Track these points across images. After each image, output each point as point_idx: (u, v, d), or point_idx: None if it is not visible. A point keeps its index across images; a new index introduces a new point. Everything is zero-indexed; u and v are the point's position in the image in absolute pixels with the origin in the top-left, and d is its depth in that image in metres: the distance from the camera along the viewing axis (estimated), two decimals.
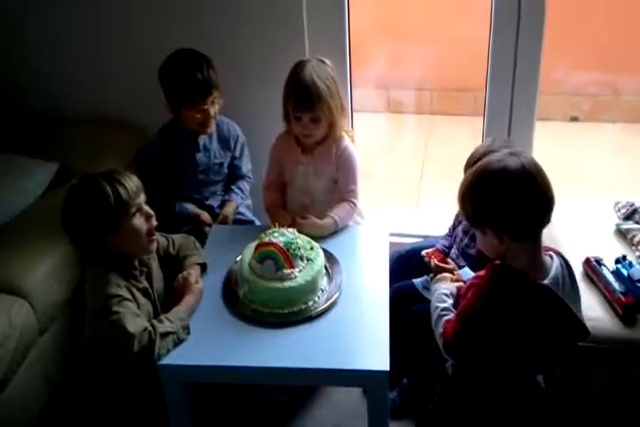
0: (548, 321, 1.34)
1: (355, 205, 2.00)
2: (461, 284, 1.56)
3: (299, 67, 1.92)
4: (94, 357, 1.62)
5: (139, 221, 1.59)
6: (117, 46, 2.33)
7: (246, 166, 2.25)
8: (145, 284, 1.65)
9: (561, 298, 1.33)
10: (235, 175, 2.24)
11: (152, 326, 1.51)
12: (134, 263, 1.62)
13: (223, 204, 2.20)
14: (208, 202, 2.19)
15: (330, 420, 1.99)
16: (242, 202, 2.22)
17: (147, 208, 1.62)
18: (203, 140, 2.13)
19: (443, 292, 1.52)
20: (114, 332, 1.49)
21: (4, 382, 1.71)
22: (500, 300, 1.33)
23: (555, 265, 1.37)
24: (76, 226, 1.58)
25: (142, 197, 1.60)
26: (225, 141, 2.18)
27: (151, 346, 1.48)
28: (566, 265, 1.41)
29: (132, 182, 1.57)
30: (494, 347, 1.36)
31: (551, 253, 1.41)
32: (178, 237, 1.83)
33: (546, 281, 1.33)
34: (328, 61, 1.97)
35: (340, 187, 2.01)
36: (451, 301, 1.50)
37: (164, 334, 1.51)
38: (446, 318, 1.44)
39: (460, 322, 1.38)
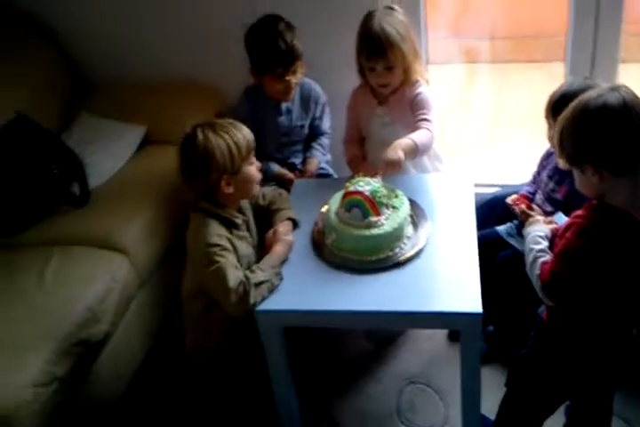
0: None
1: (430, 131, 1.92)
2: (555, 226, 1.53)
3: (367, 17, 1.91)
4: (193, 303, 1.69)
5: (254, 169, 1.67)
6: (194, 8, 2.35)
7: (326, 124, 2.27)
8: (247, 233, 1.71)
9: None
10: (315, 133, 2.26)
11: (245, 277, 1.56)
12: (237, 213, 1.68)
13: (305, 161, 2.23)
14: (290, 160, 2.23)
15: (414, 365, 2.03)
16: (323, 158, 2.24)
17: (256, 161, 1.69)
18: (285, 104, 2.15)
19: (537, 234, 1.50)
20: (214, 283, 1.56)
21: (108, 335, 1.83)
22: (601, 238, 1.30)
23: None
24: (204, 161, 1.60)
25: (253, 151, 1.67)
26: (306, 104, 2.19)
27: (246, 297, 1.54)
28: None
29: (248, 137, 1.65)
30: (594, 288, 1.34)
31: None
32: (269, 190, 1.87)
33: None
34: (397, 7, 1.95)
35: (415, 119, 1.96)
36: (546, 243, 1.47)
37: (258, 284, 1.56)
38: (543, 259, 1.42)
39: (558, 262, 1.36)
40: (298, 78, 2.07)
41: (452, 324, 1.58)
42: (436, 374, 1.97)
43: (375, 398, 1.96)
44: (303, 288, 1.60)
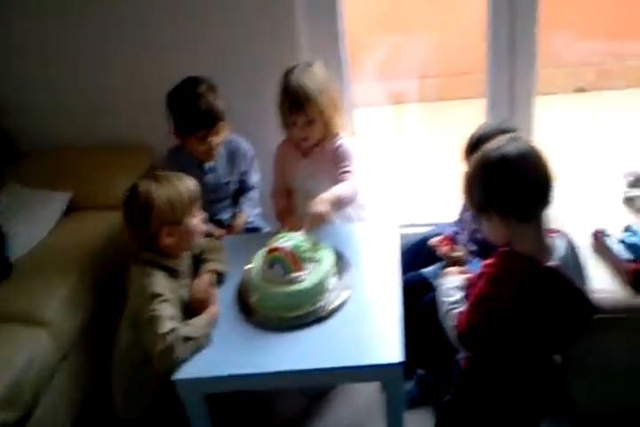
0: (558, 302, 1.35)
1: (352, 183, 1.95)
2: (470, 275, 1.56)
3: (286, 74, 1.97)
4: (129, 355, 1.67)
5: (197, 221, 1.70)
6: (121, 74, 2.39)
7: (254, 178, 2.28)
8: (189, 282, 1.72)
9: (567, 278, 1.34)
10: (244, 188, 2.28)
11: (177, 330, 1.55)
12: (179, 261, 1.70)
13: (234, 215, 2.23)
14: (218, 217, 2.22)
15: (350, 416, 2.01)
16: (252, 212, 2.25)
17: (200, 211, 1.72)
18: (209, 163, 2.16)
19: (448, 286, 1.53)
20: (146, 329, 1.55)
21: (30, 409, 1.76)
22: (510, 284, 1.34)
23: (560, 246, 1.38)
24: (145, 210, 1.62)
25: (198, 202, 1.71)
26: (233, 160, 2.20)
27: (172, 348, 1.52)
28: (571, 245, 1.42)
29: (194, 188, 1.70)
30: (509, 333, 1.36)
31: (556, 234, 1.42)
32: (204, 240, 1.87)
33: (552, 263, 1.34)
34: (317, 62, 2.01)
35: (337, 170, 1.99)
36: (459, 294, 1.50)
37: (187, 338, 1.55)
38: (456, 310, 1.44)
39: (473, 311, 1.39)
40: (221, 139, 2.09)
41: (375, 375, 1.58)
42: (368, 425, 1.95)
43: None
44: (225, 352, 1.59)
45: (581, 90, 3.72)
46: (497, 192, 1.35)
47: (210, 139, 2.04)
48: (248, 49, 2.31)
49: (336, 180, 2.02)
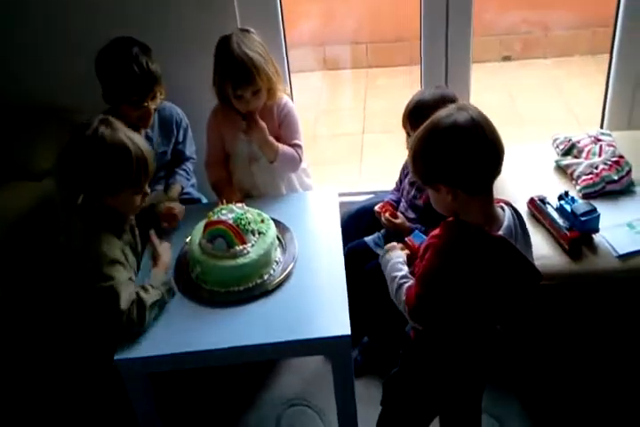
0: (506, 271, 1.35)
1: (299, 154, 1.97)
2: (408, 252, 1.54)
3: (224, 44, 1.85)
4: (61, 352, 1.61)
5: (139, 198, 1.61)
6: (50, 32, 2.20)
7: (190, 149, 2.19)
8: (131, 238, 1.65)
9: (516, 247, 1.34)
10: (179, 158, 2.19)
11: (139, 297, 1.50)
12: (122, 217, 1.62)
13: (167, 187, 2.14)
14: (153, 188, 2.11)
15: (295, 386, 2.01)
16: (187, 182, 2.17)
17: (147, 187, 1.62)
18: (144, 131, 2.04)
19: (396, 260, 1.50)
20: (104, 301, 1.49)
21: None
22: (458, 255, 1.33)
23: (506, 215, 1.38)
24: (81, 172, 1.52)
25: None
26: (167, 129, 2.10)
27: (140, 319, 1.50)
28: (517, 214, 1.42)
29: (148, 152, 1.58)
30: (458, 304, 1.36)
31: (502, 204, 1.41)
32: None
33: (500, 232, 1.34)
34: (251, 29, 1.92)
35: (285, 143, 1.97)
36: (406, 268, 1.48)
37: (153, 304, 1.52)
38: (407, 284, 1.42)
39: (421, 284, 1.37)
40: (157, 104, 1.98)
41: (323, 349, 1.58)
42: (316, 395, 1.96)
43: (258, 422, 1.93)
44: (168, 329, 1.54)
45: (508, 58, 3.79)
46: (447, 164, 1.30)
47: (146, 104, 1.92)
48: (180, 15, 2.18)
49: (279, 141, 1.97)
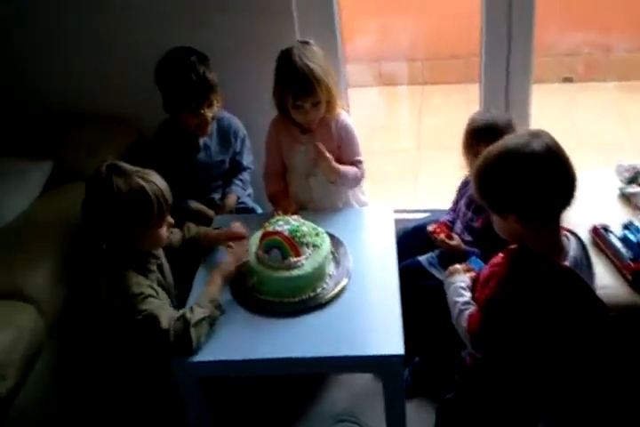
0: (571, 303, 1.31)
1: (361, 171, 1.99)
2: (474, 273, 1.51)
3: (285, 56, 1.88)
4: (118, 357, 1.62)
5: (164, 230, 1.58)
6: (112, 37, 2.27)
7: (247, 159, 2.22)
8: (159, 275, 1.65)
9: (583, 279, 1.30)
10: (236, 168, 2.21)
11: (184, 317, 1.50)
12: (148, 257, 1.62)
13: (224, 196, 2.17)
14: (210, 196, 2.16)
15: (344, 402, 2.00)
16: (243, 192, 2.19)
17: (170, 217, 1.60)
18: (202, 139, 2.09)
19: (459, 285, 1.47)
20: (147, 331, 1.49)
21: (17, 386, 1.71)
22: (524, 286, 1.29)
23: (572, 245, 1.34)
24: (103, 223, 1.52)
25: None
26: (225, 138, 2.13)
27: (187, 336, 1.48)
28: (581, 244, 1.38)
29: (163, 184, 1.55)
30: (521, 336, 1.32)
31: (566, 232, 1.38)
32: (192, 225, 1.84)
33: (566, 262, 1.30)
34: (311, 41, 1.94)
35: (346, 161, 1.99)
36: (468, 293, 1.45)
37: (198, 322, 1.51)
38: (468, 311, 1.39)
39: (484, 314, 1.33)
40: (214, 111, 2.01)
41: (374, 367, 1.57)
42: (365, 412, 1.94)
43: None
44: (222, 336, 1.55)
45: (569, 80, 3.72)
46: (522, 194, 1.25)
47: (202, 111, 1.96)
48: (239, 29, 2.21)
49: (339, 158, 1.99)
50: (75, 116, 2.32)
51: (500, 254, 1.38)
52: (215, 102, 1.99)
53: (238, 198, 2.16)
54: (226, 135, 2.13)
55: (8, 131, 2.31)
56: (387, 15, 3.57)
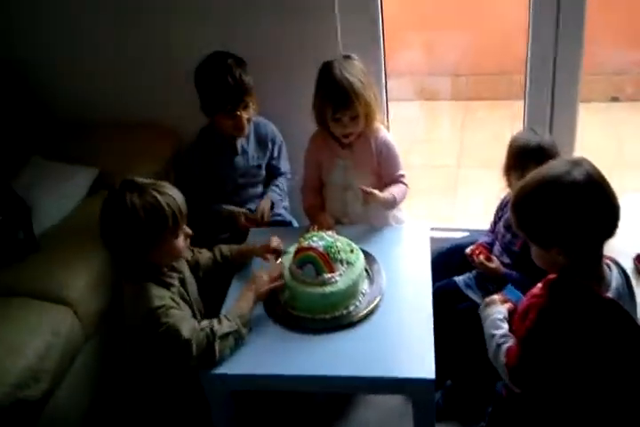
0: (615, 335, 1.27)
1: (406, 186, 2.00)
2: (510, 305, 1.47)
3: (326, 68, 1.89)
4: (144, 367, 1.63)
5: (181, 240, 1.58)
6: (151, 48, 2.32)
7: (285, 166, 2.23)
8: (181, 289, 1.65)
9: (626, 311, 1.26)
10: (273, 175, 2.23)
11: (211, 328, 1.50)
12: (168, 270, 1.62)
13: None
14: (247, 206, 2.17)
15: (372, 421, 1.98)
16: (279, 198, 2.19)
17: (187, 228, 1.60)
18: (240, 142, 2.11)
19: (496, 317, 1.43)
20: (169, 342, 1.49)
21: (51, 390, 1.74)
22: (565, 318, 1.25)
23: (614, 275, 1.30)
24: (118, 237, 1.54)
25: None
26: (262, 142, 2.16)
27: (211, 348, 1.49)
28: (624, 273, 1.34)
29: (178, 195, 1.55)
30: (563, 369, 1.28)
31: (608, 261, 1.34)
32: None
33: (609, 294, 1.26)
34: (354, 55, 1.95)
35: (388, 176, 2.00)
36: (506, 325, 1.41)
37: (224, 336, 1.51)
38: (507, 345, 1.35)
39: (524, 347, 1.30)
40: (250, 114, 2.04)
41: (405, 389, 1.55)
42: None
43: None
44: (253, 350, 1.56)
45: (616, 99, 3.64)
46: (566, 226, 1.22)
47: (238, 112, 1.99)
48: (283, 41, 2.23)
49: (378, 173, 2.00)
50: (120, 126, 2.39)
51: (539, 285, 1.34)
52: (251, 104, 2.02)
53: (273, 205, 2.16)
54: (263, 140, 2.15)
55: (57, 139, 2.39)
56: (431, 29, 3.55)
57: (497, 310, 1.44)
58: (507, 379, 1.34)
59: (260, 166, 2.17)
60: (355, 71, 1.87)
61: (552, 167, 1.26)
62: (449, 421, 1.89)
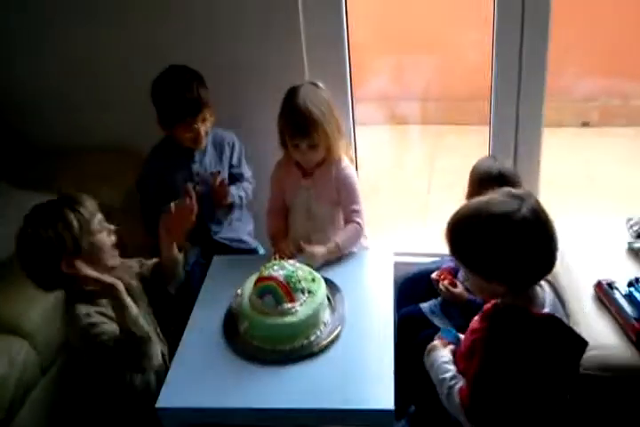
0: (557, 348, 1.29)
1: (360, 225, 1.98)
2: (453, 347, 1.46)
3: (291, 94, 1.90)
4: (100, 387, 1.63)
5: (102, 236, 1.59)
6: (112, 67, 2.33)
7: (247, 172, 2.20)
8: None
9: (564, 322, 1.29)
10: (237, 180, 2.19)
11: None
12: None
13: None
14: (212, 225, 2.13)
15: None
16: (236, 193, 2.13)
17: (106, 224, 1.62)
18: (197, 152, 2.10)
19: (442, 361, 1.42)
20: (107, 351, 1.50)
21: (7, 422, 1.71)
22: (511, 344, 1.25)
23: (547, 291, 1.32)
24: (35, 263, 1.56)
25: (99, 217, 1.61)
26: (220, 148, 2.14)
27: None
28: (552, 286, 1.37)
29: (88, 205, 1.58)
30: (518, 394, 1.27)
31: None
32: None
33: (546, 309, 1.28)
34: (321, 84, 1.96)
35: (344, 208, 2.00)
36: (453, 367, 1.40)
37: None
38: (458, 385, 1.34)
39: (477, 382, 1.28)
40: (207, 127, 2.04)
41: (364, 420, 1.52)
42: None
43: None
44: (210, 382, 1.53)
45: (587, 124, 3.70)
46: (513, 264, 1.22)
47: (196, 125, 1.99)
48: (251, 61, 2.25)
49: (335, 201, 1.99)
50: (75, 149, 2.38)
51: (476, 319, 1.35)
52: (208, 117, 2.02)
53: (232, 204, 2.12)
54: (220, 146, 2.14)
55: (12, 164, 2.36)
56: (400, 53, 3.59)
57: (441, 355, 1.43)
58: (463, 420, 1.33)
59: (218, 173, 2.12)
60: (318, 101, 1.88)
61: (499, 202, 1.25)
62: None
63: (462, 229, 1.28)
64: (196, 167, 2.09)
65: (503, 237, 1.22)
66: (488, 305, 1.33)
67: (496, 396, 1.27)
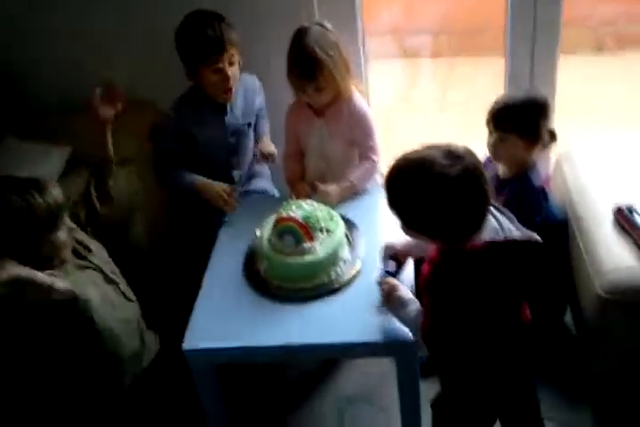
0: (505, 267, 1.30)
1: (375, 161, 1.97)
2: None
3: (298, 36, 1.85)
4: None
5: (63, 235, 1.50)
6: (122, 19, 2.27)
7: (265, 127, 2.21)
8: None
9: (504, 242, 1.28)
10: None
11: None
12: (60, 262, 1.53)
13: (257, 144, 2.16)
14: (233, 173, 2.12)
15: (358, 382, 2.01)
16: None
17: (69, 222, 1.55)
18: (228, 103, 2.06)
19: (399, 294, 1.47)
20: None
21: None
22: (450, 285, 1.30)
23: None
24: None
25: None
26: (249, 97, 2.11)
27: None
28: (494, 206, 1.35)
29: (57, 193, 1.48)
30: (469, 325, 1.33)
31: None
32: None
33: (486, 237, 1.29)
34: (329, 25, 1.89)
35: (359, 146, 1.98)
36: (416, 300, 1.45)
37: None
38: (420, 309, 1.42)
39: (427, 321, 1.36)
40: (235, 70, 1.97)
41: (389, 353, 1.56)
42: (379, 392, 1.95)
43: (320, 416, 1.95)
44: (235, 322, 1.55)
45: (600, 50, 3.59)
46: (439, 222, 1.27)
47: (221, 65, 1.92)
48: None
49: (348, 139, 1.97)
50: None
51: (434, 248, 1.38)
52: (235, 59, 1.96)
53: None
54: (250, 94, 2.11)
55: (31, 118, 2.34)
56: None
57: (403, 293, 1.47)
58: (420, 340, 1.40)
59: (250, 124, 2.13)
60: (325, 42, 1.83)
61: (436, 156, 1.25)
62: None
63: (390, 175, 1.31)
64: (227, 119, 2.07)
65: (434, 195, 1.24)
66: (432, 250, 1.36)
67: (448, 330, 1.34)
